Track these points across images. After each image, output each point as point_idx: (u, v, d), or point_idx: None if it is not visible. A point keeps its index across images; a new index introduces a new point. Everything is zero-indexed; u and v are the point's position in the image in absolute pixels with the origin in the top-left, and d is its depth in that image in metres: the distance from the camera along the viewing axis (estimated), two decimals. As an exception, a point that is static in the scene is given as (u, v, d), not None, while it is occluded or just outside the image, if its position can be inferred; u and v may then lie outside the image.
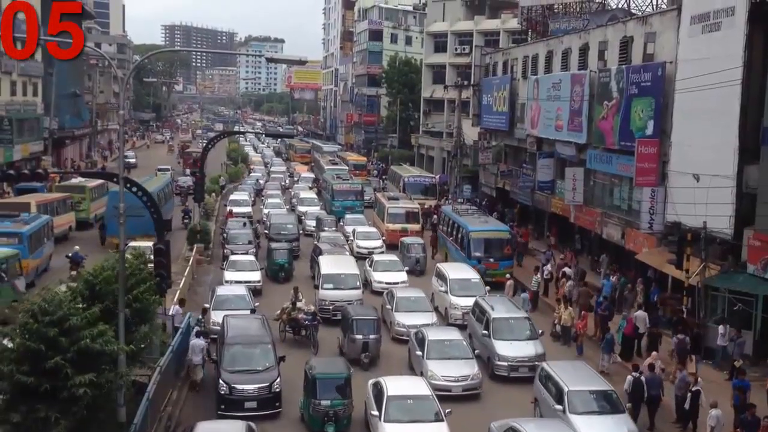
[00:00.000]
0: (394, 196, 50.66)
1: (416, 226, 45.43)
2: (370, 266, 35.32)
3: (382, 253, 39.73)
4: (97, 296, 18.18)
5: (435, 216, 47.36)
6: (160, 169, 65.06)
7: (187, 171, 67.06)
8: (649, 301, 28.94)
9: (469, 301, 28.64)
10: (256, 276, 33.25)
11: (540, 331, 25.47)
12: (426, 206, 50.48)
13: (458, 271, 32.22)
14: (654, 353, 23.06)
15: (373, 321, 25.12)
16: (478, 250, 35.76)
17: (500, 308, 25.82)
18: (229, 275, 32.80)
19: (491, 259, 35.40)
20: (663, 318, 27.19)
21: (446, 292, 30.38)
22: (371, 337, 24.69)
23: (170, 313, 24.41)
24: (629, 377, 21.18)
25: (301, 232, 42.97)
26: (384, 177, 71.66)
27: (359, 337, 24.54)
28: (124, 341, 17.16)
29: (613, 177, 34.77)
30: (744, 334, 23.94)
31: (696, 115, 26.94)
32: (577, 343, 26.75)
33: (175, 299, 26.56)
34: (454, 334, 24.39)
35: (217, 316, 25.73)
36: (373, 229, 44.50)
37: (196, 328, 24.01)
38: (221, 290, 28.89)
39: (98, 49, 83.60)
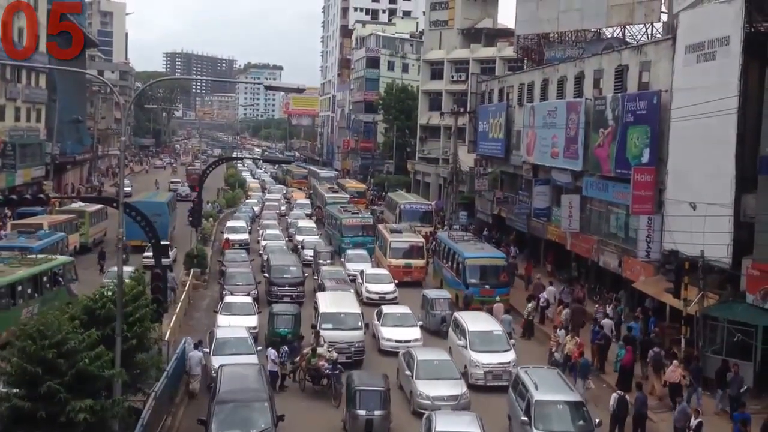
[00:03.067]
0: (397, 228, 46.72)
1: (421, 262, 42.52)
2: (378, 320, 30.66)
3: (395, 299, 36.33)
4: (97, 321, 18.26)
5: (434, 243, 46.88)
6: (172, 182, 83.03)
7: (186, 185, 79.96)
8: (648, 330, 28.81)
9: (492, 358, 25.69)
10: (252, 321, 29.61)
11: (597, 421, 20.13)
12: (423, 233, 50.05)
13: (478, 321, 28.33)
14: (675, 362, 23.81)
15: (379, 393, 21.33)
16: (473, 276, 35.54)
17: (546, 387, 20.69)
18: (222, 319, 29.48)
19: (487, 286, 35.18)
20: (662, 348, 27.04)
21: (465, 347, 26.48)
22: (377, 413, 20.92)
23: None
24: (614, 395, 21.64)
25: (305, 275, 38.38)
26: (380, 203, 71.26)
27: (362, 412, 20.89)
28: (123, 367, 17.17)
29: (609, 204, 34.78)
30: (744, 366, 23.75)
31: (692, 143, 26.97)
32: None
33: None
34: (468, 424, 19.31)
35: (217, 362, 23.28)
36: (384, 271, 39.79)
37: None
38: (221, 333, 26.37)
39: (101, 76, 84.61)
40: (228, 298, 32.30)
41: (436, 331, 31.47)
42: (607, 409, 21.75)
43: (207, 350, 24.91)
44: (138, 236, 29.58)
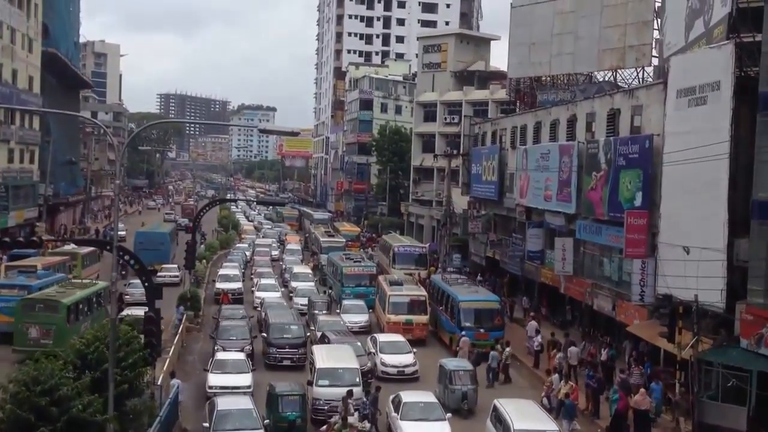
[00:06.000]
0: (397, 280, 42.71)
1: (423, 318, 38.50)
2: (396, 411, 24.44)
3: (415, 372, 31.48)
4: (88, 366, 18.17)
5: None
6: (167, 214, 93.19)
7: (181, 219, 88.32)
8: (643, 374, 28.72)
9: None
10: (246, 380, 27.21)
11: None
12: (417, 275, 49.78)
13: (526, 416, 22.33)
14: (642, 390, 24.62)
15: None
16: (467, 320, 35.40)
17: None
18: (213, 379, 27.14)
19: (481, 329, 35.02)
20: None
21: None
22: None
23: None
24: None
25: (308, 334, 34.71)
26: (374, 246, 70.59)
27: None
28: (115, 413, 17.05)
29: (602, 248, 34.85)
30: (738, 411, 23.66)
31: (685, 187, 27.10)
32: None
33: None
34: None
35: None
36: (400, 337, 34.23)
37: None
38: (222, 404, 22.88)
39: (94, 118, 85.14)
40: (219, 355, 29.56)
41: (456, 409, 26.52)
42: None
43: (206, 425, 22.16)
44: (145, 259, 30.75)
